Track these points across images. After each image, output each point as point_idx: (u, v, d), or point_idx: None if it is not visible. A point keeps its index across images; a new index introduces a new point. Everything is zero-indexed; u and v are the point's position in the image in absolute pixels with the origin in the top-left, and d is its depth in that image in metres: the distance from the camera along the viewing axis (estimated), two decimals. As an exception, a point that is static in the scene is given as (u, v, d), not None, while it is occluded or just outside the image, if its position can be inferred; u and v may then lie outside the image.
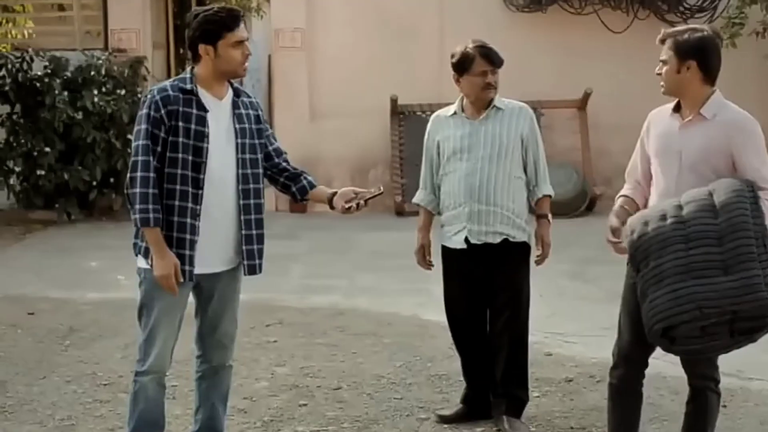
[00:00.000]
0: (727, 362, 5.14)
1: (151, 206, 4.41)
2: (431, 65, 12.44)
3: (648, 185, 4.68)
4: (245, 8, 14.53)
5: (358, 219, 11.81)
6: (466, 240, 5.45)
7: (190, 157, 4.48)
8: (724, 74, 4.61)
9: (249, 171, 4.66)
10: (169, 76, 15.44)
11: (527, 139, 5.46)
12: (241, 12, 4.62)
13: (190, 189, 4.49)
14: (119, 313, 7.97)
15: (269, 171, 4.84)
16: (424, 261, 5.71)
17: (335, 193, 4.81)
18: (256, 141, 4.71)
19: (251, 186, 4.66)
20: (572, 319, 7.70)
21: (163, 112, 4.45)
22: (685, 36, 4.48)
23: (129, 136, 12.49)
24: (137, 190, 4.42)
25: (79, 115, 12.09)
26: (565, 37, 12.80)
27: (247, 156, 4.65)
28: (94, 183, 12.37)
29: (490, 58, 5.42)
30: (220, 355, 4.85)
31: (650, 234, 4.23)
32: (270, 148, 4.83)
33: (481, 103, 5.48)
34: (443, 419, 5.68)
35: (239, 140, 4.62)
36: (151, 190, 4.42)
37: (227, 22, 4.51)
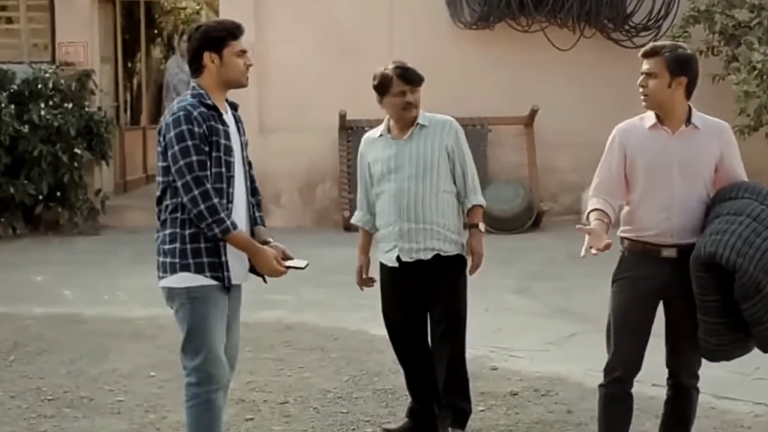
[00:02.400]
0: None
1: (225, 213, 4.41)
2: (380, 81, 12.49)
3: (617, 201, 4.73)
4: (194, 22, 14.53)
5: (306, 234, 11.85)
6: (398, 258, 5.50)
7: (224, 171, 4.49)
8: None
9: (252, 185, 4.78)
10: (116, 90, 15.38)
11: (453, 151, 5.48)
12: (242, 25, 4.64)
13: (226, 202, 4.49)
14: (64, 328, 7.92)
15: None
16: (363, 281, 5.74)
17: (268, 242, 4.74)
18: (247, 153, 4.78)
19: (254, 198, 4.78)
20: (518, 334, 7.74)
21: (204, 126, 4.43)
22: (678, 52, 4.60)
23: (76, 150, 12.40)
24: (213, 201, 4.37)
25: (26, 129, 11.99)
26: (512, 55, 12.88)
27: (248, 168, 4.75)
28: (40, 197, 12.26)
29: (407, 77, 5.45)
30: (231, 369, 4.79)
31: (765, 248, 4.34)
32: None
33: (404, 122, 5.51)
34: (389, 433, 5.72)
35: (244, 153, 4.71)
36: (217, 200, 4.39)
37: (232, 30, 4.57)
